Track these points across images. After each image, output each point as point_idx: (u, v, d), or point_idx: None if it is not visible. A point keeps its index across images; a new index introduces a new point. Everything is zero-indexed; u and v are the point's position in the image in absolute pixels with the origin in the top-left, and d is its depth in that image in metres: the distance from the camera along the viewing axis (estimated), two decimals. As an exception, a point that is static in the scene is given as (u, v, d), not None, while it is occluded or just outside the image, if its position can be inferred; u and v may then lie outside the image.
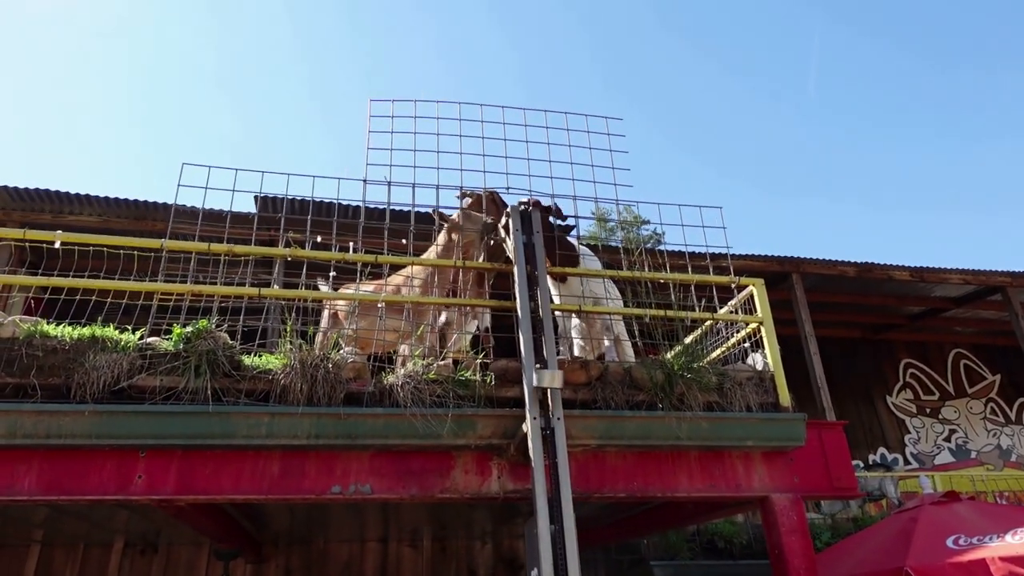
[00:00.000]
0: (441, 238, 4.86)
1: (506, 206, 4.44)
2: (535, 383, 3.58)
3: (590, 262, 5.13)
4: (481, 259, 4.67)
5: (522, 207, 4.15)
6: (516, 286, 3.89)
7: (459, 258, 4.50)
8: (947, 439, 12.37)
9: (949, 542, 4.59)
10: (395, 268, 4.68)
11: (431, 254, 4.94)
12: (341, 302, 5.06)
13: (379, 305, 4.05)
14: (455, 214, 4.80)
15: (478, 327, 4.79)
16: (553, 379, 3.60)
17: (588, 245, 6.12)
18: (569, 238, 4.81)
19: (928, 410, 12.60)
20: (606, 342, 5.09)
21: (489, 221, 4.62)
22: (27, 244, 3.69)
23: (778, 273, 9.81)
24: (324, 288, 4.83)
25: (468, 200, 4.94)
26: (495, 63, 59.08)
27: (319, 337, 4.46)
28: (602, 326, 5.04)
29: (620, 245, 4.57)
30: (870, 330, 12.81)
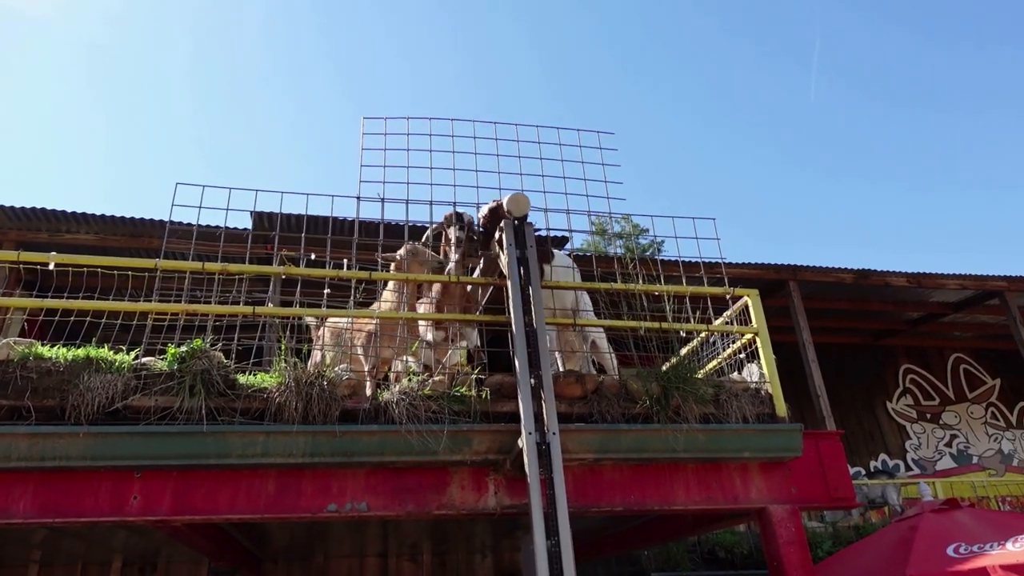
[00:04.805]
0: (390, 283, 4.63)
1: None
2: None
3: (566, 271, 5.01)
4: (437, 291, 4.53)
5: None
6: (510, 301, 3.89)
7: (406, 302, 4.42)
8: (948, 444, 12.33)
9: (949, 550, 4.57)
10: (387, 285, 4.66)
11: (386, 298, 4.67)
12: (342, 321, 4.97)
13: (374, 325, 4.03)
14: (400, 250, 4.53)
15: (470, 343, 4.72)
16: (518, 204, 3.62)
17: (576, 256, 6.08)
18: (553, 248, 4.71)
19: (929, 415, 12.57)
20: (584, 349, 5.03)
21: (438, 263, 4.42)
22: (21, 266, 3.68)
23: (775, 281, 9.81)
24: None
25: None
26: (522, 78, 59.30)
27: (318, 355, 4.42)
28: (576, 333, 4.99)
29: (616, 255, 4.54)
30: (870, 336, 12.79)
